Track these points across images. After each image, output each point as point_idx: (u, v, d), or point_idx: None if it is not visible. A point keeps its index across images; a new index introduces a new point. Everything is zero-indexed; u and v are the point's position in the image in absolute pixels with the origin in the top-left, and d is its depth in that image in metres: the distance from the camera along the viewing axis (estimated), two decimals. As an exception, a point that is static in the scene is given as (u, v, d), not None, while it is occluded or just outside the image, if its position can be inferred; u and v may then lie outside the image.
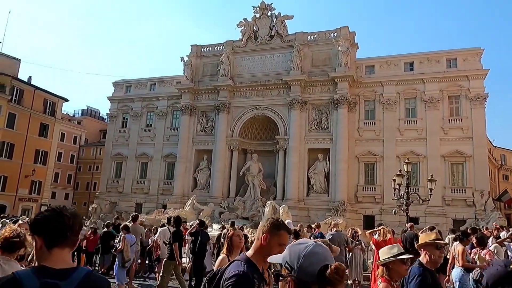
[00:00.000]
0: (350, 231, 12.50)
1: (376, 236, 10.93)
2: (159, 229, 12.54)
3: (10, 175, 40.98)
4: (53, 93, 46.47)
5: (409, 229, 11.36)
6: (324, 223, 24.57)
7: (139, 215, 33.01)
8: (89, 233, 15.42)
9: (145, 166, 42.39)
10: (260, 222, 3.18)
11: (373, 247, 11.51)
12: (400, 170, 17.89)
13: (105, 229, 14.92)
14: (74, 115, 70.97)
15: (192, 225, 14.60)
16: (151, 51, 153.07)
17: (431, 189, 17.27)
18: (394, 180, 17.44)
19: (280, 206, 26.86)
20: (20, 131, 41.77)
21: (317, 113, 34.85)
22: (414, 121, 33.23)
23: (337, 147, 32.73)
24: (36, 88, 44.53)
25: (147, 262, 15.04)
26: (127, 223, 12.73)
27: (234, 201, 34.01)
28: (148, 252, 14.99)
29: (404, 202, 16.11)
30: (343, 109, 33.24)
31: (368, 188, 33.42)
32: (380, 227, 11.14)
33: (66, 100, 48.57)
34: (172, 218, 11.53)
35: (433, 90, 32.74)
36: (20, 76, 44.65)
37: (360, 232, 13.37)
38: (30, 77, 46.81)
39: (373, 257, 11.85)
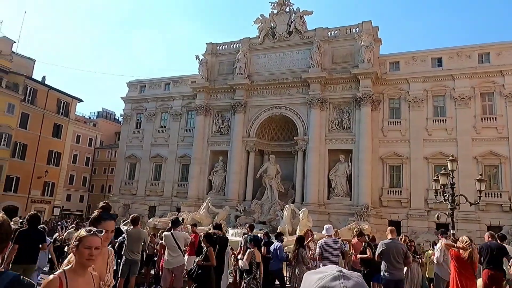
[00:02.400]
0: (403, 239, 10.50)
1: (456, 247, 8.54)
2: (163, 234, 10.77)
3: (22, 176, 40.35)
4: (67, 93, 45.90)
5: (489, 238, 9.18)
6: (348, 228, 22.86)
7: (153, 218, 32.24)
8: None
9: (159, 168, 41.23)
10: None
11: (448, 260, 8.96)
12: (444, 168, 15.87)
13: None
14: (89, 117, 70.83)
15: (209, 228, 12.87)
16: (166, 51, 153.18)
17: (480, 191, 15.30)
18: (436, 181, 15.49)
19: (299, 210, 25.21)
20: (33, 131, 41.16)
21: (338, 112, 33.06)
22: (443, 120, 31.11)
23: (359, 148, 30.88)
24: (50, 87, 43.98)
25: (152, 272, 13.29)
26: (126, 227, 11.14)
27: (251, 205, 32.46)
28: (154, 261, 13.31)
29: (449, 206, 14.19)
30: (366, 107, 31.38)
31: (393, 192, 31.41)
32: (452, 234, 8.96)
33: (80, 100, 48.00)
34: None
35: (464, 87, 30.60)
36: (34, 77, 44.15)
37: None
38: (44, 77, 46.39)
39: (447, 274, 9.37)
